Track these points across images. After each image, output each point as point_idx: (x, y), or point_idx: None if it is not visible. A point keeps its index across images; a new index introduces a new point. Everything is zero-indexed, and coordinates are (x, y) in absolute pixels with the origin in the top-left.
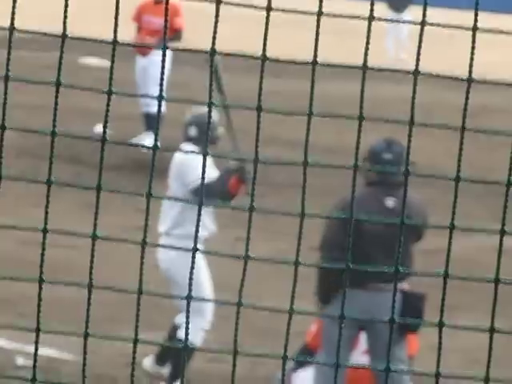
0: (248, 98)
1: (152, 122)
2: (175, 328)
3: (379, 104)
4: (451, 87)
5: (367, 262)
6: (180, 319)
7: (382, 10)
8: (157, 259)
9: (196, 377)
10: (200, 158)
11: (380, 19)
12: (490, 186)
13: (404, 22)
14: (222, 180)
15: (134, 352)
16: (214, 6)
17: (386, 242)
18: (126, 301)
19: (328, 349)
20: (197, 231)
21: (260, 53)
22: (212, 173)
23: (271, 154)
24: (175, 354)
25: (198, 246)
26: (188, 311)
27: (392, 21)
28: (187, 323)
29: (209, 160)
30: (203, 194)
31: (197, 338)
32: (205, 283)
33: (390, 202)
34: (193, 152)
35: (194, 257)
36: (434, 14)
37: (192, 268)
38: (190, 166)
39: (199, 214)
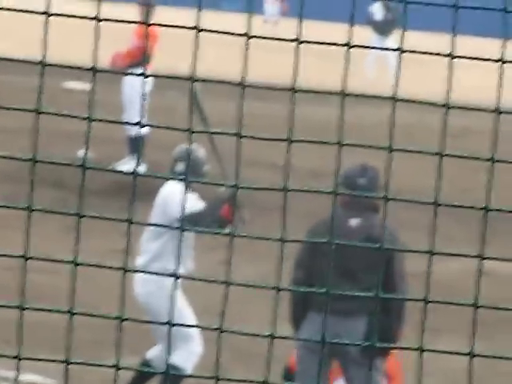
0: (232, 122)
1: (133, 146)
2: (146, 362)
3: (362, 127)
4: (433, 109)
5: (330, 284)
6: (153, 352)
7: (366, 32)
8: (135, 293)
9: None
10: (185, 193)
11: (358, 46)
12: (473, 210)
13: (382, 48)
14: (214, 207)
15: (115, 380)
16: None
17: (348, 263)
18: (111, 325)
19: (300, 376)
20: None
21: (246, 76)
22: (198, 205)
23: (255, 176)
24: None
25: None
26: (170, 340)
27: (369, 47)
28: (169, 351)
29: (194, 195)
30: (194, 222)
31: (188, 363)
32: (185, 311)
33: (354, 223)
34: (178, 188)
35: (175, 288)
36: (421, 37)
37: (173, 298)
38: (174, 201)
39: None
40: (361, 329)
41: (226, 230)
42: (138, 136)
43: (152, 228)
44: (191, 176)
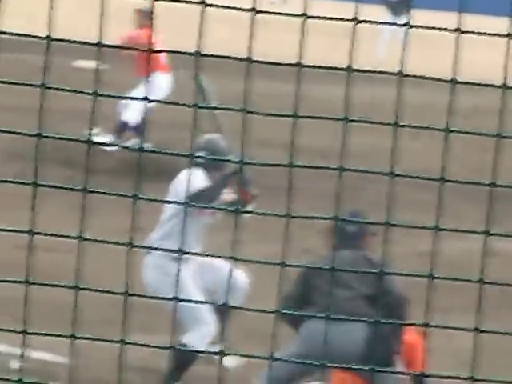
0: (239, 102)
1: (136, 128)
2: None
3: (371, 106)
4: (444, 90)
5: (326, 293)
6: (186, 338)
7: (379, 12)
8: (143, 282)
9: (193, 379)
10: (203, 181)
11: (365, 21)
12: (483, 190)
13: (390, 24)
14: (220, 184)
15: (121, 355)
16: (211, 7)
17: (343, 277)
18: (120, 304)
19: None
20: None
21: (257, 54)
22: (203, 183)
23: (267, 156)
24: (176, 358)
25: (181, 266)
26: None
27: (377, 23)
28: (178, 330)
29: (206, 178)
30: (202, 201)
31: (201, 345)
32: (194, 295)
33: (346, 253)
34: (199, 176)
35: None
36: (433, 17)
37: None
38: (185, 183)
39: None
40: (361, 335)
41: (244, 209)
42: (144, 116)
43: (166, 210)
44: (212, 166)
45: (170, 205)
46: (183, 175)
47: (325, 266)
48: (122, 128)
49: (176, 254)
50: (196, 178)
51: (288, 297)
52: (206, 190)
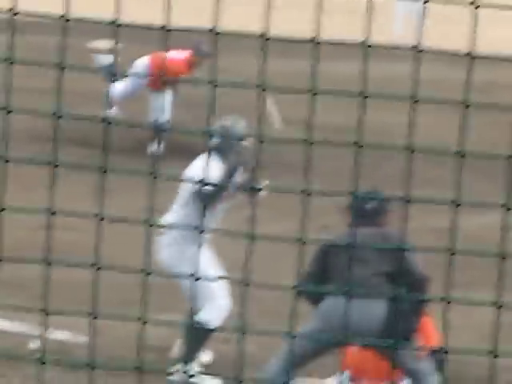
0: (254, 79)
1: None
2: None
3: (390, 82)
4: (460, 66)
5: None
6: (201, 315)
7: None
8: (158, 259)
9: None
10: (216, 167)
11: None
12: (500, 166)
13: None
14: (232, 170)
15: (140, 333)
16: None
17: (361, 254)
18: (138, 284)
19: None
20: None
21: (275, 34)
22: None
23: (286, 134)
24: (191, 335)
25: (197, 247)
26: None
27: None
28: (195, 307)
29: (221, 168)
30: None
31: (217, 320)
32: (210, 272)
33: (365, 230)
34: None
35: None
36: None
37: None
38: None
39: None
40: (380, 311)
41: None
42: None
43: (181, 195)
44: (227, 150)
45: (185, 190)
46: (199, 162)
47: (343, 243)
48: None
49: (191, 238)
50: (212, 169)
51: (308, 273)
52: (220, 183)
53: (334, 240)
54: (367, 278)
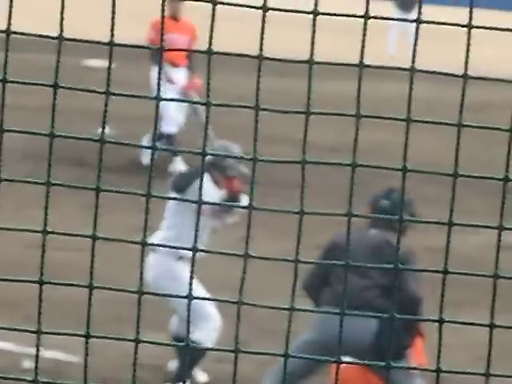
0: (251, 98)
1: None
2: (176, 336)
3: (382, 102)
4: (455, 85)
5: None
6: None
7: (388, 7)
8: (146, 281)
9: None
10: (207, 185)
11: (376, 17)
12: (494, 183)
13: (398, 19)
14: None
15: (136, 353)
16: (218, 6)
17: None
18: (132, 301)
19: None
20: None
21: (269, 52)
22: (213, 192)
23: (274, 152)
24: (185, 355)
25: (184, 265)
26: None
27: (388, 19)
28: (188, 328)
29: (211, 184)
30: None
31: (208, 341)
32: (198, 291)
33: (371, 232)
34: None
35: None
36: (441, 12)
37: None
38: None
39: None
40: (373, 325)
41: (243, 204)
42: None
43: (170, 211)
44: (217, 172)
45: (175, 208)
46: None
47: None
48: (166, 139)
49: (180, 255)
50: (208, 190)
51: (311, 272)
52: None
53: (340, 240)
54: (363, 289)
